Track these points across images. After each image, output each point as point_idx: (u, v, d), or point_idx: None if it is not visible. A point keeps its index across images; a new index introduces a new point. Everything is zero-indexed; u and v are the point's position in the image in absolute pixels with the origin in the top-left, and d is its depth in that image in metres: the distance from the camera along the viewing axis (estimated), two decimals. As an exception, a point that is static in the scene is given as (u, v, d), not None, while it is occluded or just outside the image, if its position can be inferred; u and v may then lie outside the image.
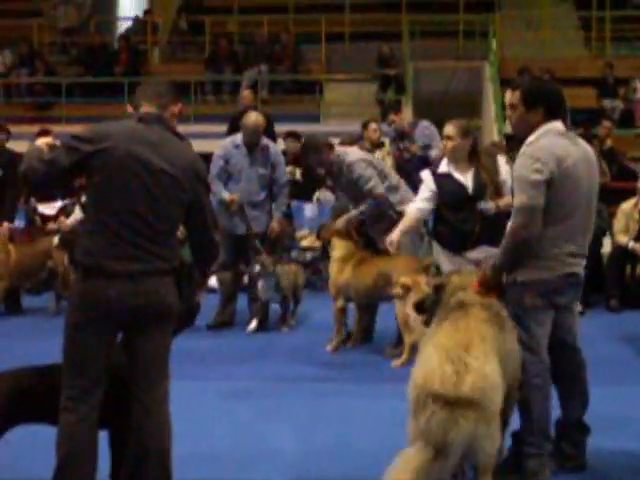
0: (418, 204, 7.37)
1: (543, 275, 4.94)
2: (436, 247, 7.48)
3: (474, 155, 7.19)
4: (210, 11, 20.64)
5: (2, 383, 4.54)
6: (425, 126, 11.08)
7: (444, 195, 7.21)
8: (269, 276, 9.16)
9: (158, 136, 4.34)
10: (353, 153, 8.61)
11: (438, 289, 5.11)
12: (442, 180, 7.23)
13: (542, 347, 5.00)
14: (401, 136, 10.98)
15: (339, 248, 8.58)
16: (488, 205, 7.04)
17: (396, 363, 7.65)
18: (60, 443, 4.26)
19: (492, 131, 16.43)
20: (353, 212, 8.48)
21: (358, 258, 8.43)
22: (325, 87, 19.00)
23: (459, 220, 7.15)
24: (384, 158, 10.90)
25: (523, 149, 5.02)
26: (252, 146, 9.39)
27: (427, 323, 5.16)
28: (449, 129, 7.18)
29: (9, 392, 4.51)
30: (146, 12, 21.92)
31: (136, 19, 21.57)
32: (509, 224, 4.95)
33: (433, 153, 11.15)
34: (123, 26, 21.88)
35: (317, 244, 9.47)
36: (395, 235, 7.33)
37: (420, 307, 5.35)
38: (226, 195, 9.29)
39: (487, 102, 17.77)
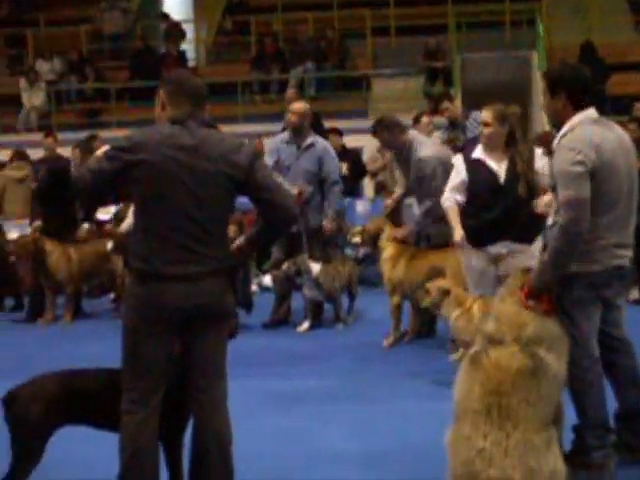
0: (454, 195, 7.15)
1: (590, 268, 4.82)
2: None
3: (511, 143, 6.93)
4: (255, 11, 20.69)
5: (54, 383, 4.60)
6: (476, 117, 10.96)
7: (474, 182, 7.02)
8: (308, 275, 9.14)
9: (194, 136, 4.32)
10: (428, 147, 8.51)
11: None
12: (474, 167, 7.03)
13: (591, 341, 4.91)
14: (453, 124, 10.87)
15: (389, 245, 8.59)
16: (542, 203, 6.66)
17: (454, 357, 7.43)
18: (123, 445, 4.30)
19: (542, 121, 16.27)
20: (417, 218, 8.43)
21: (410, 254, 8.40)
22: (372, 82, 18.97)
23: (484, 210, 6.96)
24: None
25: (558, 142, 4.89)
26: (298, 132, 9.38)
27: None
28: (486, 115, 6.96)
29: (58, 390, 4.57)
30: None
31: (181, 22, 21.67)
32: (558, 221, 4.77)
33: None
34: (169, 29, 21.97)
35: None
36: (459, 235, 7.07)
37: None
38: (288, 186, 9.14)
39: (536, 91, 17.61)
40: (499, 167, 6.95)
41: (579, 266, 4.80)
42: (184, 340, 4.39)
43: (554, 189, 4.91)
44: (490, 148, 6.98)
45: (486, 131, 6.93)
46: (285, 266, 9.15)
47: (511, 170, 6.90)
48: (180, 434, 4.68)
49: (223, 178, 4.31)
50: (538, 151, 7.12)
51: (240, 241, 4.62)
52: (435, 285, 7.08)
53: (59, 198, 10.19)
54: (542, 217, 6.82)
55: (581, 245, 4.75)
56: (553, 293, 4.78)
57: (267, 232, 4.58)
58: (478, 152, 7.08)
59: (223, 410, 4.44)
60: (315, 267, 9.16)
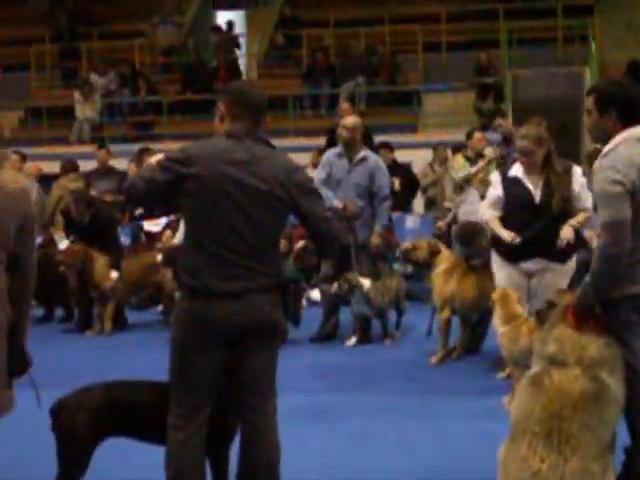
0: (491, 211, 7.18)
1: (635, 290, 4.68)
2: (493, 256, 7.33)
3: (547, 164, 6.96)
4: (306, 25, 20.72)
5: (102, 394, 4.60)
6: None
7: (510, 200, 7.06)
8: (359, 291, 9.07)
9: (249, 152, 4.28)
10: None
11: (548, 307, 4.88)
12: (511, 184, 7.08)
13: None
14: (506, 141, 10.77)
15: (444, 259, 8.53)
16: (567, 236, 6.82)
17: (508, 404, 6.70)
18: (169, 461, 4.27)
19: (594, 137, 16.11)
20: None
21: (463, 269, 8.35)
22: (422, 97, 18.91)
23: (520, 228, 6.96)
24: (487, 167, 10.71)
25: (600, 161, 4.75)
26: (349, 146, 9.35)
27: None
28: (524, 144, 6.95)
29: (104, 400, 4.56)
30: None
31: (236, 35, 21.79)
32: (597, 243, 4.69)
33: None
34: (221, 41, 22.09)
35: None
36: (509, 235, 6.98)
37: (540, 317, 5.17)
38: (337, 202, 9.17)
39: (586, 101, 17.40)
40: (535, 186, 7.00)
41: (624, 289, 4.68)
42: (234, 357, 4.34)
43: (595, 209, 4.82)
44: (528, 168, 7.01)
45: (528, 160, 6.96)
46: (336, 286, 9.07)
47: (547, 189, 6.95)
48: (227, 449, 4.65)
49: (273, 198, 4.27)
50: (578, 170, 7.13)
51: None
52: (498, 290, 6.97)
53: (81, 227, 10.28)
54: (576, 237, 7.03)
55: (623, 267, 4.62)
56: (599, 314, 4.69)
57: (319, 254, 4.57)
58: (515, 170, 7.12)
59: (273, 429, 4.39)
60: (366, 283, 9.09)
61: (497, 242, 7.19)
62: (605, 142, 4.82)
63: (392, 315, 9.59)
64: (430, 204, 13.38)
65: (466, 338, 8.53)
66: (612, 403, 4.37)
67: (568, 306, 4.71)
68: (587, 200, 7.00)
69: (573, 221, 6.94)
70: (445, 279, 8.42)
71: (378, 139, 13.46)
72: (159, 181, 4.25)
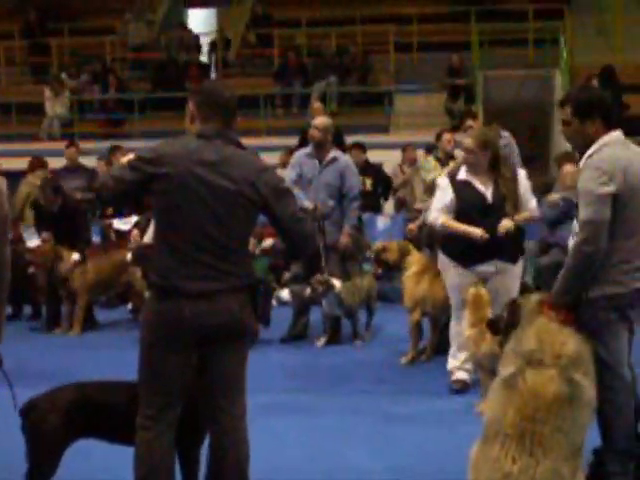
0: (442, 215, 7.16)
1: (615, 290, 4.77)
2: (443, 259, 7.38)
3: (494, 167, 7.06)
4: (278, 24, 20.68)
5: (73, 395, 4.57)
6: (504, 136, 10.88)
7: (462, 203, 7.10)
8: (330, 292, 9.07)
9: (219, 153, 4.28)
10: None
11: (513, 311, 4.87)
12: (461, 187, 7.13)
13: (622, 362, 4.86)
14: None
15: (415, 262, 8.54)
16: (506, 226, 6.91)
17: (478, 409, 6.49)
18: (138, 462, 4.26)
19: (563, 140, 16.18)
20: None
21: (434, 272, 8.35)
22: (394, 98, 18.94)
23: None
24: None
25: (585, 161, 4.85)
26: (320, 146, 9.34)
27: (501, 344, 4.96)
28: (468, 142, 7.07)
29: (75, 402, 4.54)
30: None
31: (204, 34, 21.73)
32: (574, 240, 4.76)
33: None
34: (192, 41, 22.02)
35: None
36: (479, 231, 6.97)
37: (494, 326, 5.17)
38: (307, 202, 9.17)
39: (558, 111, 17.49)
40: (486, 188, 7.08)
41: (604, 289, 4.76)
42: (203, 358, 4.34)
43: (577, 207, 4.86)
44: (474, 172, 7.09)
45: (469, 159, 7.07)
46: (309, 289, 9.05)
47: (497, 191, 7.04)
48: (196, 449, 4.65)
49: (243, 199, 4.27)
50: (522, 172, 7.27)
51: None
52: (472, 291, 6.93)
53: (53, 217, 10.25)
54: (522, 236, 7.23)
55: (596, 267, 4.70)
56: (572, 311, 4.75)
57: (289, 254, 4.57)
58: (463, 174, 7.19)
59: (242, 429, 4.39)
60: (337, 284, 9.09)
61: (449, 244, 7.24)
62: (585, 148, 4.88)
63: (362, 315, 9.60)
64: (400, 205, 13.41)
65: (436, 339, 8.52)
66: (585, 406, 4.40)
67: (543, 302, 4.75)
68: (531, 201, 7.18)
69: (517, 216, 7.02)
70: (416, 281, 8.42)
71: (350, 139, 13.48)
72: (128, 180, 4.24)
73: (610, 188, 4.66)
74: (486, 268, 7.08)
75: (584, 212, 4.69)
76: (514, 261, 7.17)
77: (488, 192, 7.07)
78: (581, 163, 4.90)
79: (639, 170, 4.81)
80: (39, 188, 10.63)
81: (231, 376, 4.36)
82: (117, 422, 4.57)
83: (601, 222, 4.65)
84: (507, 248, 7.04)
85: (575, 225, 4.95)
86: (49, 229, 10.43)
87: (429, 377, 7.85)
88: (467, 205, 7.09)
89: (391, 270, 9.55)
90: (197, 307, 4.22)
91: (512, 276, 7.18)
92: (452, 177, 7.27)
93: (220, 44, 20.83)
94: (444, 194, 7.21)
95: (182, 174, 4.20)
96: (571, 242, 4.96)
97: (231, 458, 4.34)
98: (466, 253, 7.07)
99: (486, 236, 6.94)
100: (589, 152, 4.84)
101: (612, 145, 4.82)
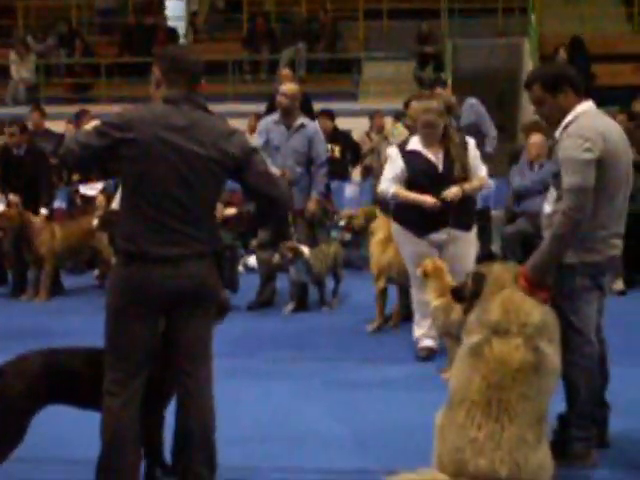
0: (393, 185, 7.20)
1: (592, 257, 4.84)
2: (396, 228, 7.43)
3: (445, 135, 7.16)
4: (248, -11, 20.54)
5: (39, 361, 4.55)
6: (472, 104, 10.87)
7: (413, 173, 7.15)
8: (299, 259, 9.08)
9: (187, 118, 4.26)
10: None
11: (477, 280, 4.86)
12: (411, 157, 7.19)
13: (590, 328, 4.92)
14: (446, 111, 10.77)
15: (381, 227, 8.53)
16: (453, 192, 6.98)
17: (444, 376, 6.51)
18: (104, 427, 4.26)
19: (531, 108, 16.22)
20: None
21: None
22: (363, 65, 18.89)
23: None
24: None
25: (562, 132, 4.88)
26: (288, 113, 9.31)
27: (466, 312, 4.96)
28: (431, 117, 7.09)
29: (42, 369, 4.52)
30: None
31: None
32: (560, 207, 4.75)
33: (488, 140, 10.91)
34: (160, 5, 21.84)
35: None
36: (430, 199, 7.05)
37: (458, 294, 5.19)
38: (274, 169, 9.13)
39: (526, 92, 17.50)
40: (436, 157, 7.15)
41: (582, 256, 4.82)
42: (169, 323, 4.35)
43: (556, 176, 4.88)
44: (429, 141, 7.15)
45: (434, 132, 7.10)
46: (277, 256, 9.03)
47: (448, 159, 7.13)
48: (160, 412, 4.66)
49: (212, 163, 4.26)
50: (471, 141, 7.34)
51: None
52: (430, 262, 6.95)
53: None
54: (473, 204, 7.37)
55: (581, 234, 4.75)
56: (549, 282, 4.79)
57: (259, 219, 4.56)
58: (414, 144, 7.24)
59: (208, 394, 4.40)
60: (305, 250, 9.09)
61: (401, 214, 7.28)
62: (559, 119, 4.92)
63: (329, 283, 9.62)
64: (367, 172, 13.40)
65: (403, 306, 8.53)
66: (550, 374, 4.44)
67: (520, 272, 4.76)
68: (481, 169, 7.26)
69: (466, 184, 7.09)
70: (382, 248, 8.42)
71: (318, 106, 13.42)
72: (95, 146, 4.21)
73: (593, 154, 4.71)
74: (439, 236, 7.15)
75: (570, 179, 4.71)
76: (467, 228, 7.26)
77: (439, 161, 7.14)
78: (557, 134, 4.93)
79: (616, 137, 4.87)
80: (7, 125, 10.62)
81: (197, 341, 4.36)
82: (84, 388, 4.56)
83: (588, 188, 4.69)
84: (459, 216, 7.11)
85: (552, 194, 4.97)
86: (16, 178, 10.35)
87: (395, 344, 7.88)
88: (418, 175, 7.14)
89: (358, 236, 9.57)
90: (164, 272, 4.21)
91: (466, 243, 7.26)
92: (402, 147, 7.31)
93: (188, 9, 20.66)
94: (394, 164, 7.25)
95: (150, 139, 4.18)
96: (547, 210, 4.98)
97: (196, 422, 4.35)
98: (419, 222, 7.14)
99: (438, 204, 6.99)
100: (565, 121, 4.88)
101: (588, 114, 4.88)
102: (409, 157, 7.19)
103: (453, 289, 5.36)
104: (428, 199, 7.03)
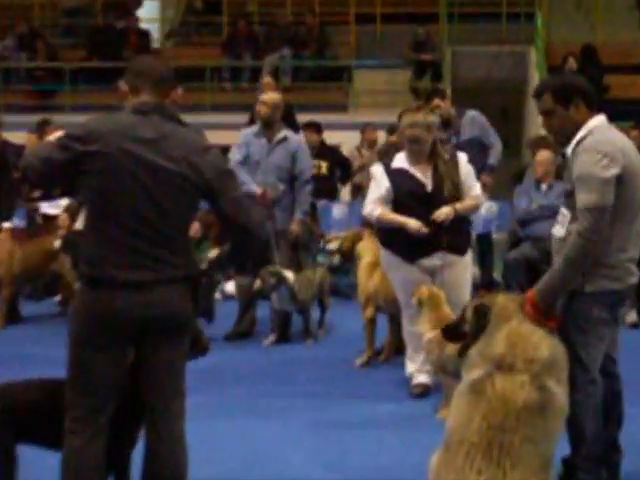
0: (383, 207, 7.20)
1: (614, 286, 4.86)
2: (385, 253, 7.45)
3: (434, 152, 7.18)
4: (228, -11, 20.64)
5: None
6: (473, 116, 10.93)
7: (400, 193, 7.16)
8: (282, 286, 9.08)
9: (157, 129, 4.27)
10: None
11: (480, 313, 4.79)
12: (397, 176, 7.20)
13: (597, 365, 4.94)
14: (445, 124, 10.82)
15: (368, 251, 8.54)
16: (444, 212, 6.99)
17: (440, 415, 6.56)
18: (65, 469, 4.24)
19: (538, 122, 16.29)
20: None
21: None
22: (354, 74, 18.95)
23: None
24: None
25: (575, 147, 4.90)
26: (268, 125, 9.33)
27: (461, 353, 4.91)
28: (415, 132, 7.10)
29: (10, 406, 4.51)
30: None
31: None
32: (574, 228, 4.78)
33: (492, 153, 10.96)
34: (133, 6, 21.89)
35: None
36: (415, 223, 7.04)
37: (452, 332, 5.12)
38: (255, 187, 9.18)
39: (532, 90, 17.59)
40: (424, 175, 7.17)
41: (602, 283, 4.84)
42: (138, 354, 4.34)
43: (570, 195, 4.90)
44: (416, 158, 7.18)
45: (417, 149, 7.12)
46: (259, 282, 9.02)
47: (437, 177, 7.14)
48: (128, 453, 4.64)
49: (183, 180, 4.26)
50: (463, 157, 7.35)
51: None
52: (426, 290, 6.96)
53: None
54: (467, 225, 7.35)
55: (600, 259, 4.77)
56: (557, 309, 4.82)
57: (234, 253, 4.54)
58: (400, 161, 7.27)
59: (179, 434, 4.38)
60: (290, 276, 9.10)
61: (388, 237, 7.31)
62: (570, 136, 4.94)
63: (315, 312, 9.62)
64: (357, 191, 13.43)
65: (394, 338, 8.50)
66: (557, 415, 4.42)
67: (526, 300, 4.76)
68: (474, 188, 7.26)
69: (458, 204, 7.09)
70: (368, 273, 8.44)
71: (304, 118, 13.45)
72: (57, 161, 4.20)
73: (614, 170, 4.74)
74: (431, 261, 7.15)
75: (586, 198, 4.73)
76: (461, 253, 7.26)
77: (427, 180, 7.15)
78: (568, 150, 4.96)
79: (633, 153, 4.91)
80: None
81: (168, 374, 4.35)
82: (42, 425, 4.55)
83: (606, 208, 4.71)
84: (452, 239, 7.12)
85: (564, 215, 4.98)
86: None
87: (387, 380, 7.88)
88: (405, 195, 7.16)
89: (346, 261, 9.57)
90: (131, 299, 4.20)
91: (461, 269, 7.26)
92: (387, 165, 7.34)
93: (162, 10, 20.72)
94: (379, 184, 7.25)
95: (116, 152, 4.18)
96: (559, 233, 4.99)
97: (167, 463, 4.33)
98: (408, 246, 7.13)
99: (424, 230, 7.00)
100: (578, 137, 4.91)
101: (602, 128, 4.92)
102: (395, 176, 7.21)
103: (445, 328, 5.28)
104: (412, 223, 7.03)
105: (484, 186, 10.65)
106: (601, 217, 4.71)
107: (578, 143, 4.91)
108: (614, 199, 4.73)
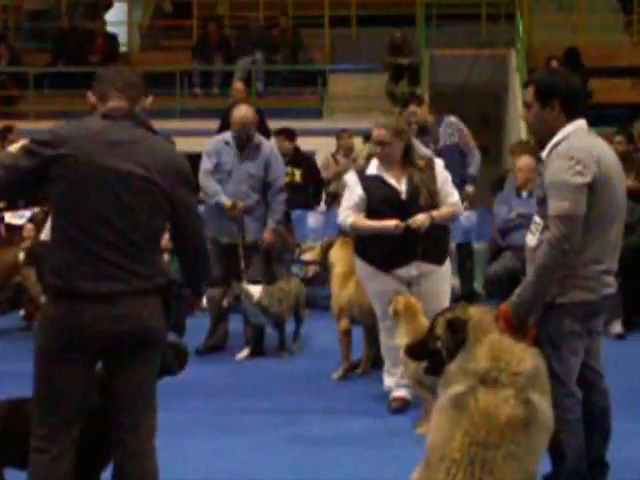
0: (351, 215, 7.23)
1: (586, 297, 4.86)
2: (360, 265, 7.45)
3: (407, 159, 7.20)
4: (198, -9, 20.62)
5: None
6: (451, 122, 10.98)
7: (373, 201, 7.19)
8: (248, 302, 9.07)
9: (126, 135, 4.28)
10: None
11: (454, 327, 4.73)
12: (371, 183, 7.23)
13: (574, 378, 4.95)
14: (423, 132, 10.87)
15: (340, 260, 8.56)
16: (420, 220, 7.00)
17: (419, 431, 6.67)
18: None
19: (519, 128, 16.41)
20: None
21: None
22: (329, 78, 18.94)
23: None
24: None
25: (549, 152, 4.92)
26: (243, 143, 9.33)
27: (429, 372, 4.93)
28: (381, 134, 7.15)
29: None
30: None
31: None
32: (545, 237, 4.80)
33: (471, 163, 11.04)
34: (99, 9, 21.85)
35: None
36: (393, 222, 7.04)
37: (418, 351, 5.05)
38: (225, 199, 9.19)
39: (513, 95, 17.74)
40: (398, 182, 7.19)
41: (572, 295, 4.84)
42: (107, 369, 4.33)
43: (542, 202, 4.92)
44: (387, 165, 7.20)
45: (384, 151, 7.15)
46: (225, 301, 9.04)
47: (411, 184, 7.15)
48: (97, 473, 4.63)
49: (154, 186, 4.25)
50: (439, 162, 7.37)
51: None
52: (402, 300, 6.95)
53: None
54: (446, 234, 7.35)
55: (573, 269, 4.78)
56: (534, 321, 4.81)
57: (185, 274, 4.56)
58: (373, 168, 7.30)
59: (150, 452, 4.37)
60: (256, 291, 9.10)
61: (363, 247, 7.34)
62: (547, 137, 4.97)
63: (290, 324, 9.63)
64: (333, 200, 13.42)
65: (371, 351, 8.50)
66: (542, 430, 4.41)
67: (499, 315, 4.75)
68: (452, 195, 7.27)
69: (435, 212, 7.08)
70: (341, 283, 8.46)
71: (277, 124, 13.47)
72: (23, 168, 4.19)
73: (586, 178, 4.74)
74: (408, 271, 7.15)
75: (557, 205, 4.74)
76: (439, 262, 7.26)
77: (402, 186, 7.17)
78: (543, 154, 4.99)
79: (611, 161, 4.92)
80: None
81: (138, 391, 4.33)
82: (5, 445, 4.54)
83: (577, 216, 4.72)
84: (428, 248, 7.11)
85: (536, 223, 5.01)
86: None
87: (364, 394, 7.90)
88: (379, 202, 7.18)
89: (324, 271, 9.56)
90: (97, 312, 4.17)
91: (439, 279, 7.27)
92: (361, 173, 7.37)
93: (130, 12, 20.69)
94: (352, 192, 7.28)
95: (84, 156, 4.17)
96: (532, 242, 5.02)
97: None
98: (383, 256, 7.15)
99: (402, 225, 7.00)
100: (553, 141, 4.93)
101: (578, 134, 4.92)
102: (368, 183, 7.23)
103: (410, 346, 5.23)
104: (389, 223, 7.03)
105: (467, 197, 10.73)
106: (572, 225, 4.71)
107: (552, 148, 4.92)
108: (586, 208, 4.74)
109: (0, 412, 4.60)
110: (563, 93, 4.98)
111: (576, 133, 4.93)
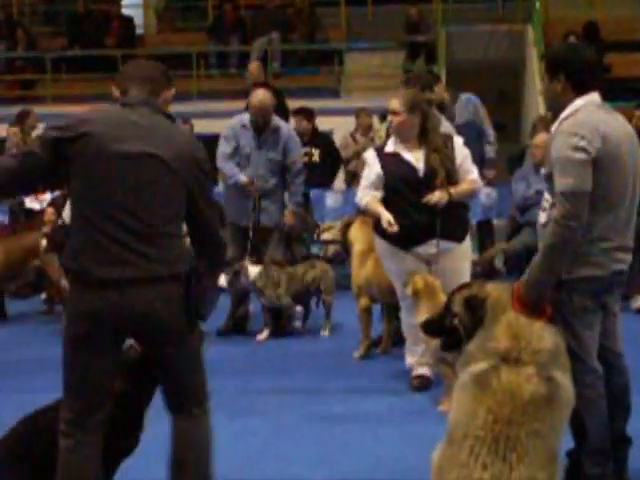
0: (371, 192, 7.22)
1: (594, 272, 4.82)
2: (380, 243, 7.42)
3: (424, 133, 7.15)
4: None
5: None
6: (468, 99, 10.95)
7: (391, 178, 7.16)
8: (247, 280, 9.09)
9: (144, 120, 4.28)
10: None
11: (472, 305, 4.70)
12: (389, 161, 7.20)
13: (593, 354, 4.91)
14: (440, 109, 10.81)
15: (359, 240, 8.56)
16: (437, 196, 6.95)
17: (441, 408, 6.69)
18: (59, 469, 4.26)
19: (537, 104, 16.33)
20: None
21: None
22: (346, 57, 18.91)
23: (408, 207, 7.10)
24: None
25: (557, 126, 4.90)
26: (260, 128, 9.31)
27: (446, 347, 4.93)
28: (394, 103, 7.13)
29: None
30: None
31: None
32: (552, 214, 4.76)
33: (488, 144, 11.03)
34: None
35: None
36: (386, 219, 7.02)
37: (432, 327, 5.05)
38: (242, 177, 9.20)
39: (530, 71, 17.67)
40: (417, 160, 7.13)
41: (580, 270, 4.81)
42: (148, 354, 4.40)
43: (549, 178, 4.89)
44: (403, 139, 7.17)
45: (395, 120, 7.11)
46: (223, 279, 9.05)
47: (429, 162, 7.09)
48: (120, 459, 4.66)
49: (171, 171, 4.24)
50: (459, 140, 7.32)
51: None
52: (420, 279, 6.93)
53: None
54: (465, 211, 7.31)
55: (580, 246, 4.74)
56: (548, 300, 4.76)
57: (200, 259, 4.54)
58: (391, 145, 7.27)
59: (204, 431, 4.70)
60: (253, 271, 9.09)
61: (384, 227, 7.27)
62: (559, 110, 4.95)
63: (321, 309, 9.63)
64: (352, 179, 13.42)
65: (391, 329, 8.52)
66: (564, 407, 4.41)
67: (513, 292, 4.70)
68: (471, 172, 7.23)
69: (453, 189, 7.04)
70: (360, 262, 8.45)
71: (294, 104, 13.43)
72: (38, 154, 4.21)
73: (589, 154, 4.70)
74: (427, 249, 7.13)
75: (562, 182, 4.70)
76: (458, 240, 7.24)
77: (419, 164, 7.12)
78: (552, 129, 4.97)
79: (620, 137, 4.87)
80: None
81: (177, 376, 4.45)
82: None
83: (583, 192, 4.67)
84: (447, 225, 7.06)
85: (547, 200, 5.00)
86: None
87: (386, 372, 7.92)
88: (396, 180, 7.16)
89: (345, 251, 9.53)
90: (108, 298, 4.16)
91: (459, 257, 7.25)
92: (379, 150, 7.35)
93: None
94: (371, 170, 7.27)
95: (102, 139, 4.18)
96: (542, 219, 5.01)
97: (190, 464, 4.54)
98: (402, 234, 7.08)
99: (395, 227, 6.98)
100: (562, 116, 4.90)
101: (588, 108, 4.87)
102: (386, 160, 7.20)
103: (425, 323, 5.19)
104: (384, 218, 7.01)
105: (490, 181, 10.72)
106: (578, 202, 4.67)
107: (560, 123, 4.89)
108: (593, 185, 4.70)
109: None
110: (568, 66, 4.92)
111: (586, 107, 4.87)
